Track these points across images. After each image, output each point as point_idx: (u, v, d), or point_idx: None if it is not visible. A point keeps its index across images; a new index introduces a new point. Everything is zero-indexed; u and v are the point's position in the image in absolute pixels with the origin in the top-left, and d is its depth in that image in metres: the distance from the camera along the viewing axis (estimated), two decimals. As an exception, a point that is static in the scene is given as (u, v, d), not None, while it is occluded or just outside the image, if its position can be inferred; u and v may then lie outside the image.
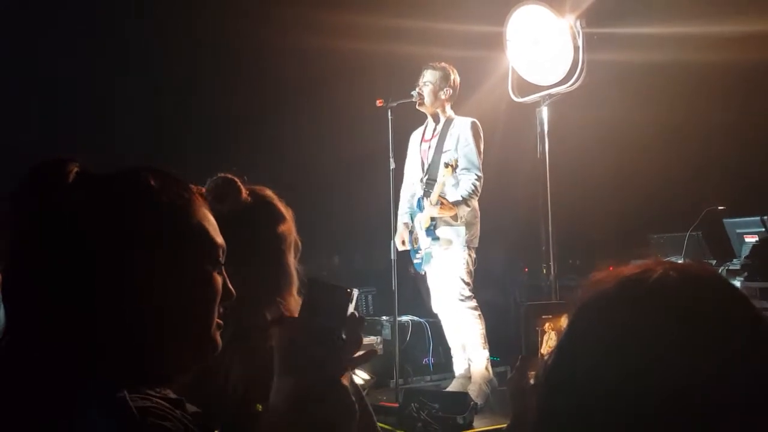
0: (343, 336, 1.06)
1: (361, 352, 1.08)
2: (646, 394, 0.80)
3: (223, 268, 1.04)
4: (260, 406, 1.06)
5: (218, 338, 1.02)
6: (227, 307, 1.05)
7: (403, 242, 4.90)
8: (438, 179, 4.62)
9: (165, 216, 0.96)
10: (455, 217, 4.62)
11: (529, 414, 0.92)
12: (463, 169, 4.67)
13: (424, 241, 4.80)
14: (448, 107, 4.86)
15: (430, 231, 4.71)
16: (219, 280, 1.02)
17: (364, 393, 4.73)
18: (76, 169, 0.94)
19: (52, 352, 0.87)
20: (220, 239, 1.03)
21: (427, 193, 4.78)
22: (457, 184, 4.68)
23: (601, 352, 0.84)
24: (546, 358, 0.92)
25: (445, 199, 4.54)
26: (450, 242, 4.69)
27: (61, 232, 0.90)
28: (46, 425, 0.82)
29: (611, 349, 0.84)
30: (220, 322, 1.03)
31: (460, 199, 4.59)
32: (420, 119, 5.02)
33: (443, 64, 4.84)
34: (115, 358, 0.89)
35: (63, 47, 5.20)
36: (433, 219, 4.68)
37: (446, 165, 4.54)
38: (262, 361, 1.38)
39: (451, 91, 4.84)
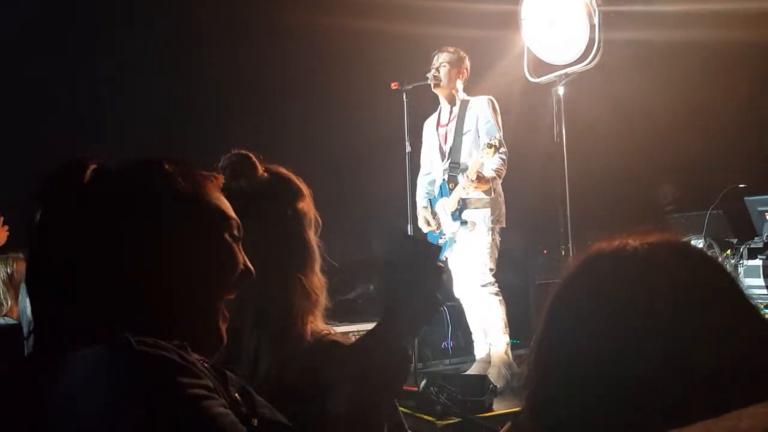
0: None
1: None
2: (624, 375, 0.79)
3: (240, 245, 1.12)
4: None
5: (223, 326, 1.08)
6: (245, 286, 1.12)
7: (428, 223, 4.89)
8: (474, 158, 4.55)
9: (183, 197, 1.06)
10: (489, 191, 4.59)
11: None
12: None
13: (449, 226, 4.77)
14: (461, 90, 4.84)
15: (456, 215, 4.69)
16: (238, 251, 1.11)
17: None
18: (93, 167, 1.03)
19: (79, 327, 0.95)
20: (234, 216, 1.12)
21: (452, 178, 4.75)
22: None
23: (573, 339, 0.85)
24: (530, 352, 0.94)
25: (481, 173, 4.50)
26: (475, 224, 4.67)
27: (81, 226, 0.99)
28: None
29: (579, 333, 0.84)
30: (225, 313, 1.09)
31: (494, 174, 4.57)
32: (435, 102, 4.99)
33: (453, 48, 4.81)
34: (129, 322, 0.95)
35: (63, 40, 5.21)
36: (459, 203, 4.66)
37: (489, 146, 4.47)
38: (288, 342, 1.37)
39: (466, 73, 4.82)
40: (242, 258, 1.10)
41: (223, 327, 1.08)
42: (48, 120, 5.24)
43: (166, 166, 1.06)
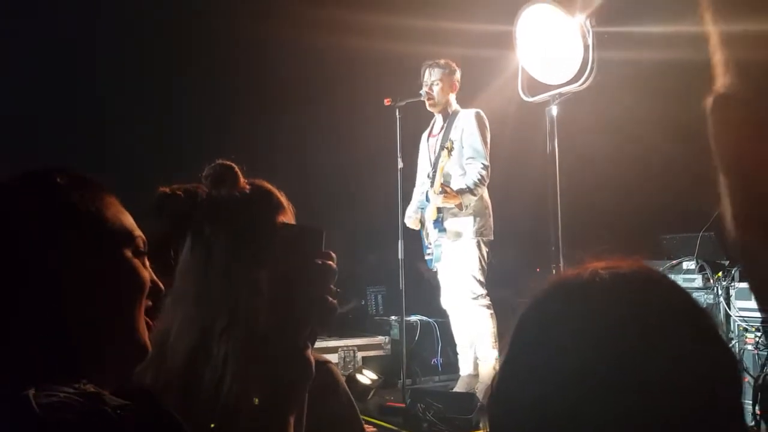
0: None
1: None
2: (577, 404, 0.77)
3: (146, 260, 1.04)
4: (257, 399, 1.03)
5: (146, 335, 1.02)
6: (157, 302, 1.06)
7: (420, 223, 4.88)
8: (437, 164, 4.62)
9: (75, 210, 0.97)
10: (460, 206, 4.60)
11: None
12: (468, 158, 4.69)
13: (433, 234, 4.78)
14: (454, 101, 4.88)
15: (438, 223, 4.70)
16: (143, 269, 1.03)
17: (371, 394, 4.71)
18: None
19: None
20: (137, 231, 1.04)
21: (433, 185, 4.77)
22: (464, 174, 4.67)
23: (531, 364, 0.84)
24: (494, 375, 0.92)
25: (448, 187, 4.55)
26: (459, 234, 4.67)
27: None
28: None
29: (540, 360, 0.83)
30: (149, 321, 1.03)
31: (465, 187, 4.58)
32: (428, 118, 5.01)
33: (444, 60, 4.84)
34: (35, 356, 0.90)
35: (61, 45, 5.20)
36: (439, 211, 4.67)
37: (442, 147, 4.54)
38: (259, 352, 1.35)
39: (457, 85, 4.86)
40: (148, 275, 1.03)
41: (145, 337, 1.01)
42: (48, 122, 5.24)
43: (58, 180, 0.98)
